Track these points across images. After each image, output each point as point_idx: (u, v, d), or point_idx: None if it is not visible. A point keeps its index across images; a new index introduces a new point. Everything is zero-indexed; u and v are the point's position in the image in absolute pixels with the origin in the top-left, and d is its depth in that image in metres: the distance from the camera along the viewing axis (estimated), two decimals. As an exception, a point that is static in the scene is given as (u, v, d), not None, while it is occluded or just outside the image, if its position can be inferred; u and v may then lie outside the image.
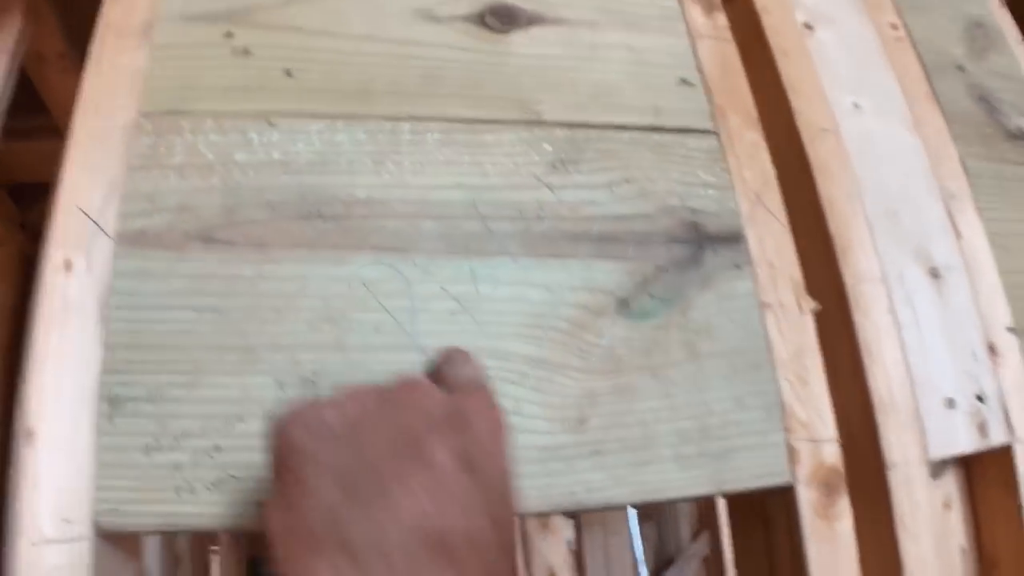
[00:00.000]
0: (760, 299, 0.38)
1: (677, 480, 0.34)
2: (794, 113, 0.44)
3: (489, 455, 0.27)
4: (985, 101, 0.50)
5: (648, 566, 1.11)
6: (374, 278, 0.34)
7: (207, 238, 0.34)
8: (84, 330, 0.32)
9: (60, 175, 0.34)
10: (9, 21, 0.53)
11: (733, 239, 0.39)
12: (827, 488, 0.36)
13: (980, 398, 0.41)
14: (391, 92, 0.39)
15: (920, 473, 0.37)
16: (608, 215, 0.38)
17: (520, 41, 0.42)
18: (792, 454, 0.36)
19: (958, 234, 0.44)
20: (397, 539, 0.23)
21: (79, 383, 0.31)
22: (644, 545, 1.10)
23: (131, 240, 0.33)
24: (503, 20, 0.41)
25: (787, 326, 0.38)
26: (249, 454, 0.31)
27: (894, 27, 0.50)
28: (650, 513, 1.16)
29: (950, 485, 0.42)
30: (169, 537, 0.92)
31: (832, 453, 0.36)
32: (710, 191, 0.40)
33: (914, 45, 0.50)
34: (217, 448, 0.31)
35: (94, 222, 0.33)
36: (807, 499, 0.35)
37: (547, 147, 0.39)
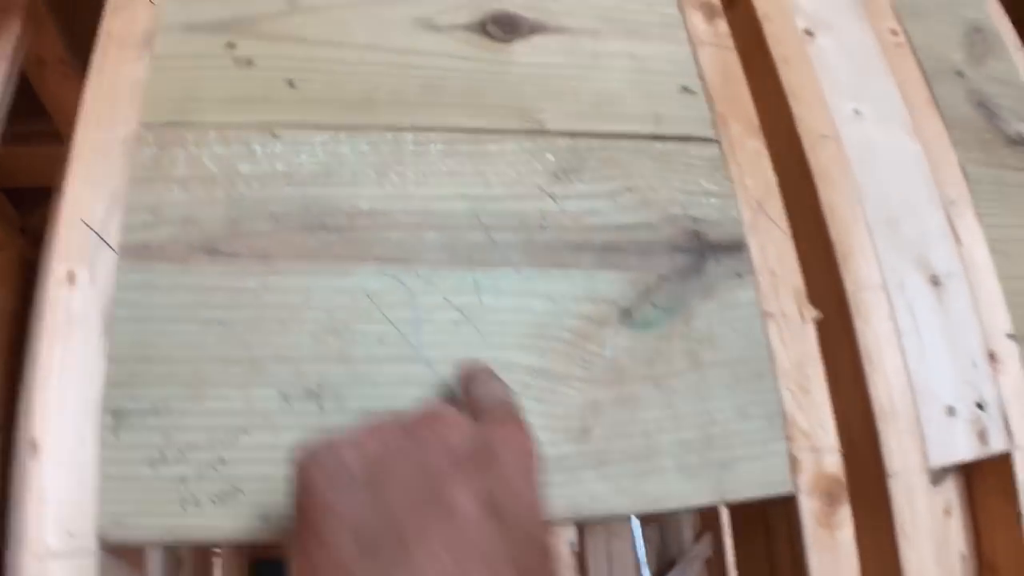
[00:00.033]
0: (762, 308, 0.38)
1: (680, 490, 0.34)
2: (795, 120, 0.44)
3: (517, 495, 0.25)
4: (984, 107, 0.50)
5: (650, 568, 1.11)
6: (377, 289, 0.34)
7: (211, 250, 0.34)
8: (88, 343, 0.32)
9: (62, 188, 0.34)
10: (9, 26, 0.53)
11: (735, 248, 0.39)
12: (828, 497, 0.36)
13: (980, 405, 0.41)
14: (394, 102, 0.39)
15: (920, 481, 0.37)
16: (610, 224, 0.38)
17: (522, 50, 0.42)
18: (794, 463, 0.36)
19: (958, 240, 0.45)
20: None
21: (83, 396, 0.31)
22: (646, 547, 1.10)
23: (135, 253, 0.33)
24: (505, 29, 0.42)
25: (789, 335, 0.38)
26: (254, 467, 0.31)
27: (894, 33, 0.50)
28: (652, 515, 1.16)
29: (950, 491, 0.43)
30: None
31: (833, 462, 0.36)
32: (712, 199, 0.40)
33: (914, 51, 0.50)
34: (222, 461, 0.31)
35: (97, 235, 0.33)
36: (809, 508, 0.35)
37: (549, 156, 0.39)
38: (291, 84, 0.38)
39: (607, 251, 0.37)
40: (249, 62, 0.38)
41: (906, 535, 0.37)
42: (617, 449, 0.34)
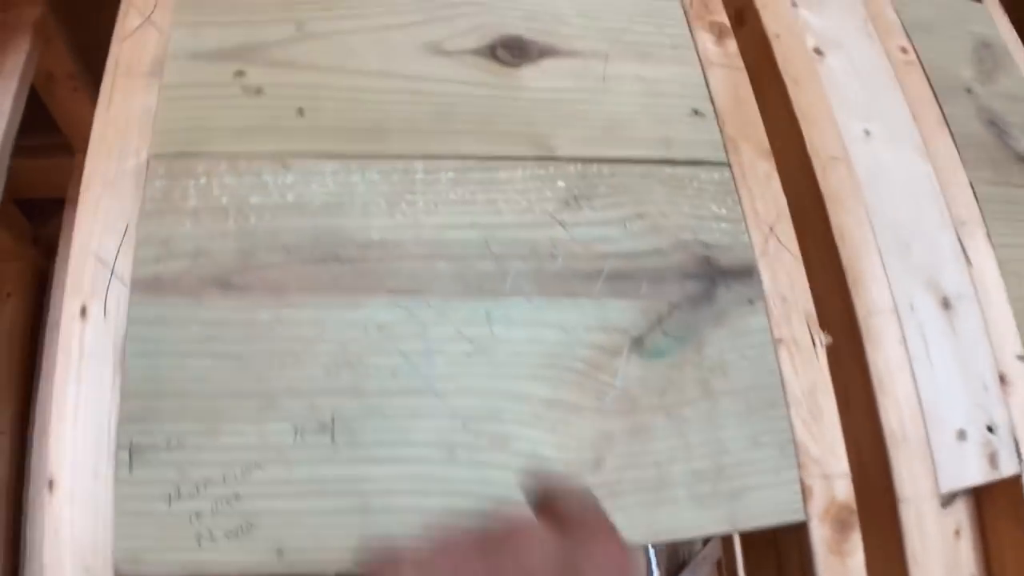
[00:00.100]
0: (773, 335, 0.38)
1: (692, 520, 0.34)
2: (805, 141, 0.44)
3: None
4: (994, 125, 0.50)
5: (661, 570, 1.12)
6: (390, 321, 0.34)
7: (224, 284, 0.34)
8: (102, 378, 0.32)
9: (74, 222, 0.34)
10: (20, 43, 0.53)
11: (746, 273, 0.39)
12: (839, 524, 0.36)
13: (991, 428, 0.41)
14: (405, 130, 0.39)
15: (931, 507, 0.37)
16: (621, 252, 0.38)
17: (531, 74, 0.42)
18: (805, 491, 0.36)
19: (968, 262, 0.44)
20: None
21: (98, 432, 0.31)
22: (656, 549, 1.10)
23: (147, 286, 0.33)
24: (514, 53, 0.41)
25: (801, 362, 0.38)
26: (268, 501, 0.31)
27: (904, 50, 0.50)
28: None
29: (960, 513, 0.43)
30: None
31: (844, 489, 0.36)
32: (723, 224, 0.40)
33: (924, 68, 0.50)
34: (236, 496, 0.31)
35: (109, 269, 0.33)
36: (820, 536, 0.35)
37: (560, 183, 0.39)
38: (301, 112, 0.38)
39: (618, 279, 0.37)
40: (258, 90, 0.38)
41: (916, 561, 0.37)
42: (630, 480, 0.34)
